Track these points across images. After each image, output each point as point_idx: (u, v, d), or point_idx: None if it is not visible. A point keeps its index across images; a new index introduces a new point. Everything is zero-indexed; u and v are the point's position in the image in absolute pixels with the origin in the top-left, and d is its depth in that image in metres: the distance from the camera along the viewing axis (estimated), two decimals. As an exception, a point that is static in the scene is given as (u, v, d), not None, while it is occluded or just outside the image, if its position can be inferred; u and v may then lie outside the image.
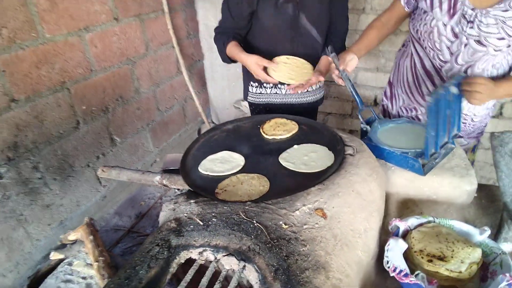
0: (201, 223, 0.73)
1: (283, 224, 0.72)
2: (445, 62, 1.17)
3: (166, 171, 1.15)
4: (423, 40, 1.19)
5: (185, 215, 0.77)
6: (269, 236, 0.69)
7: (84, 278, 1.04)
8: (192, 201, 0.82)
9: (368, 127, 1.22)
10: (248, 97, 1.60)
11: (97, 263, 0.96)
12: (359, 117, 1.25)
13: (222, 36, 1.38)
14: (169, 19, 2.13)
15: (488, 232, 0.83)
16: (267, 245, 0.67)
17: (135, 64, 1.96)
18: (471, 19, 1.06)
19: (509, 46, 1.08)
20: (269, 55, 1.31)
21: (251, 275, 0.65)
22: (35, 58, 1.41)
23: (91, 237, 1.06)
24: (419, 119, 1.36)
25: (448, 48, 1.14)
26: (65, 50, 1.53)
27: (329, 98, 2.26)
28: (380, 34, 1.32)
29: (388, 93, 1.48)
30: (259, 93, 1.55)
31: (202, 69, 2.65)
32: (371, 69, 2.10)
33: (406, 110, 1.40)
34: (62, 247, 1.16)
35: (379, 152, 1.07)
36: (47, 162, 1.53)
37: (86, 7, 1.60)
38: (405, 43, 1.37)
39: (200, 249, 0.70)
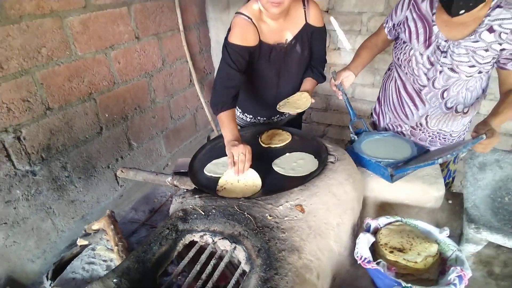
0: (203, 213, 0.91)
1: (268, 216, 0.89)
2: (424, 86, 1.32)
3: (177, 173, 1.32)
4: (404, 67, 1.35)
5: (191, 206, 0.95)
6: (256, 224, 0.86)
7: (105, 260, 1.22)
8: (196, 196, 1.00)
9: (356, 137, 1.38)
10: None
11: (116, 247, 1.15)
12: (350, 127, 1.41)
13: (219, 99, 1.33)
14: (184, 36, 2.35)
15: (446, 231, 0.97)
16: (254, 231, 0.84)
17: (152, 77, 2.18)
18: (445, 49, 1.21)
19: (480, 72, 1.22)
20: (257, 97, 1.52)
21: (240, 254, 0.82)
22: (68, 73, 1.64)
23: (112, 226, 1.25)
24: (404, 134, 1.51)
25: (425, 74, 1.29)
26: (93, 66, 1.76)
27: (329, 111, 2.43)
28: (372, 53, 1.49)
29: (378, 110, 1.63)
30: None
31: (213, 81, 2.86)
32: (368, 85, 2.26)
33: (392, 127, 1.55)
34: (86, 235, 1.35)
35: (359, 160, 1.23)
36: (74, 163, 1.75)
37: (112, 28, 1.83)
38: (390, 67, 1.52)
39: (201, 233, 0.87)
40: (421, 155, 1.19)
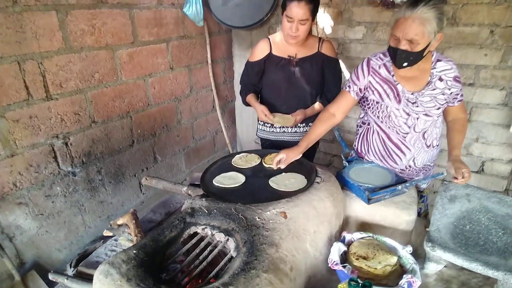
0: (206, 211, 1.15)
1: (257, 218, 1.11)
2: (407, 133, 1.50)
3: (192, 185, 1.58)
4: (385, 122, 1.53)
5: (198, 206, 1.19)
6: (247, 223, 1.09)
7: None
8: (204, 199, 1.25)
9: (347, 163, 1.60)
10: (258, 133, 2.10)
11: (136, 237, 1.40)
12: (342, 156, 1.64)
13: (243, 89, 1.96)
14: (211, 69, 2.70)
15: (408, 248, 1.15)
16: (244, 228, 1.07)
17: (180, 101, 2.52)
18: (414, 100, 1.43)
19: (441, 112, 1.48)
20: (271, 101, 1.91)
21: (231, 244, 1.04)
22: (113, 94, 2.00)
23: (134, 221, 1.50)
24: None
25: (405, 123, 1.48)
26: (133, 89, 2.12)
27: (335, 142, 2.65)
28: (327, 126, 1.57)
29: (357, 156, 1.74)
30: (262, 130, 2.06)
31: (233, 109, 3.19)
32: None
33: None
34: (111, 229, 1.61)
35: (344, 182, 1.44)
36: (107, 169, 2.06)
37: (152, 60, 2.20)
38: (365, 121, 1.68)
39: (203, 226, 1.11)
40: (396, 182, 1.39)
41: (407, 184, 1.29)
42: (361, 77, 1.50)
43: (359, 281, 0.91)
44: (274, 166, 1.48)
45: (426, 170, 1.62)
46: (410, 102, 1.43)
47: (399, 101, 1.45)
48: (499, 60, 1.95)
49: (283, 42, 1.79)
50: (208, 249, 1.04)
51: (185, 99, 2.57)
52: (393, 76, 1.45)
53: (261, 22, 2.55)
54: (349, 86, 1.54)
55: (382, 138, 1.58)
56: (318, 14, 1.76)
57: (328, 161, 2.78)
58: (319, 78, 1.84)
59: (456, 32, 1.99)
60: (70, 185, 1.86)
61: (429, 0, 1.21)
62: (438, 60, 1.40)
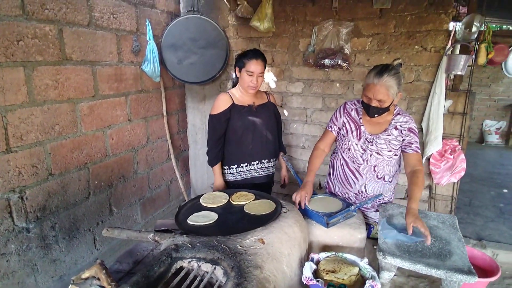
0: (190, 246, 1.24)
1: (238, 246, 1.24)
2: (360, 164, 1.84)
3: (158, 231, 1.63)
4: (346, 153, 1.88)
5: (181, 242, 1.27)
6: (230, 251, 1.20)
7: (95, 302, 1.41)
8: (185, 235, 1.33)
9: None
10: (226, 177, 2.22)
11: (109, 286, 1.37)
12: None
13: (212, 154, 2.13)
14: (166, 120, 2.84)
15: (365, 260, 1.37)
16: (229, 256, 1.18)
17: (137, 151, 2.57)
18: (371, 140, 1.79)
19: (396, 155, 1.81)
20: (236, 149, 2.12)
21: (218, 272, 1.14)
22: (72, 146, 1.99)
23: (104, 271, 1.47)
24: (350, 199, 1.95)
25: (361, 156, 1.83)
26: (92, 141, 2.14)
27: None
28: (321, 158, 1.94)
29: (329, 182, 2.09)
30: (229, 174, 2.20)
31: (187, 157, 3.30)
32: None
33: (341, 194, 2.01)
34: (77, 284, 1.53)
35: (306, 211, 1.65)
36: (62, 224, 1.96)
37: (112, 112, 2.27)
38: (335, 151, 2.05)
39: (189, 260, 1.18)
40: (347, 207, 1.65)
41: (357, 206, 1.55)
42: (338, 118, 1.88)
43: (335, 285, 1.08)
44: (296, 206, 1.66)
45: (377, 201, 1.93)
46: (367, 141, 1.80)
47: (359, 139, 1.81)
48: (406, 107, 2.51)
49: (240, 94, 2.08)
50: (197, 280, 1.12)
51: (142, 149, 2.63)
52: (360, 119, 1.83)
53: (213, 78, 2.85)
54: (330, 127, 1.92)
55: (342, 164, 1.92)
56: None
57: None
58: (274, 121, 2.19)
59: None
60: (24, 243, 1.73)
61: (391, 69, 1.62)
62: (398, 114, 1.79)
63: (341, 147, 1.91)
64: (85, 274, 1.55)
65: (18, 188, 1.69)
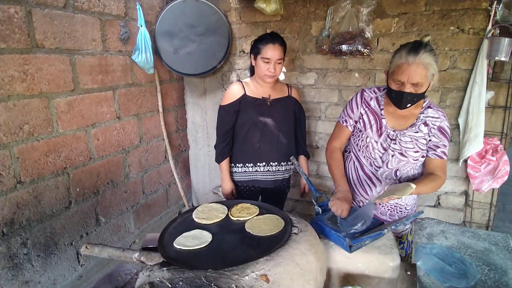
0: (170, 286, 0.92)
1: (234, 286, 0.92)
2: (379, 167, 1.51)
3: (145, 249, 1.33)
4: (362, 151, 1.56)
5: (158, 279, 0.96)
6: (222, 295, 0.89)
7: None
8: (165, 268, 1.02)
9: (320, 209, 1.50)
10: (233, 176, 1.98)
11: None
12: (313, 201, 1.54)
13: (220, 147, 1.91)
14: (162, 117, 2.54)
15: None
16: (220, 302, 0.86)
17: (128, 153, 2.28)
18: (394, 137, 1.46)
19: (423, 156, 1.47)
20: (243, 145, 1.89)
21: (205, 327, 0.83)
22: (46, 148, 1.71)
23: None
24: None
25: (380, 157, 1.50)
26: (72, 142, 1.85)
27: (296, 187, 2.58)
28: (341, 160, 1.63)
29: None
30: (235, 172, 1.97)
31: (187, 158, 3.00)
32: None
33: (355, 202, 1.68)
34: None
35: (321, 230, 1.32)
36: (35, 239, 1.69)
37: (96, 109, 1.98)
38: (347, 149, 1.73)
39: (167, 306, 0.87)
40: (375, 226, 1.31)
41: (392, 226, 1.21)
42: (354, 109, 1.55)
43: None
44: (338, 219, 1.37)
45: (398, 212, 1.59)
46: (390, 138, 1.46)
47: (380, 135, 1.47)
48: (438, 100, 2.14)
49: (255, 85, 1.84)
50: (176, 337, 0.81)
51: (133, 150, 2.33)
52: (381, 110, 1.48)
53: (214, 70, 2.53)
54: (345, 121, 1.59)
55: (356, 167, 1.59)
56: None
57: (290, 207, 2.68)
58: (292, 120, 1.92)
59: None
60: (-17, 265, 1.46)
61: (426, 45, 1.30)
62: (429, 107, 1.45)
63: (357, 144, 1.57)
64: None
65: (-25, 200, 1.41)
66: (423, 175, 1.47)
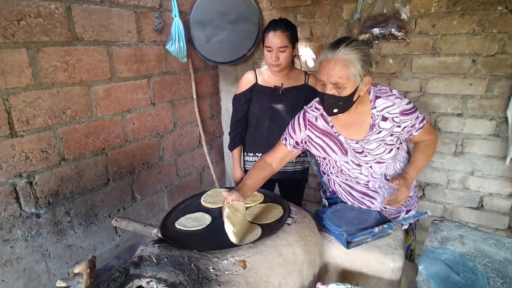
0: (155, 260, 1.00)
1: (211, 268, 0.96)
2: (368, 181, 1.37)
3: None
4: (342, 176, 1.41)
5: (147, 254, 1.04)
6: (198, 275, 0.93)
7: (76, 303, 1.29)
8: (157, 245, 1.10)
9: (327, 202, 1.46)
10: (245, 165, 2.05)
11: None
12: (321, 193, 1.50)
13: (233, 134, 2.00)
14: (196, 104, 2.66)
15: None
16: (193, 282, 0.91)
17: (162, 137, 2.44)
18: (360, 150, 1.30)
19: (397, 148, 1.31)
20: (252, 134, 1.94)
21: (176, 302, 0.88)
22: (87, 130, 1.92)
23: (88, 270, 1.34)
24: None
25: (361, 173, 1.35)
26: (110, 125, 2.05)
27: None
28: (264, 175, 1.40)
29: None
30: (247, 161, 2.03)
31: (222, 144, 3.10)
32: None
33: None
34: (67, 278, 1.45)
35: (322, 222, 1.28)
36: (78, 209, 1.93)
37: (132, 96, 2.15)
38: (325, 171, 1.51)
39: (148, 279, 0.95)
40: (380, 224, 1.23)
41: (385, 226, 1.13)
42: (297, 130, 1.39)
43: None
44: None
45: (406, 202, 1.46)
46: (356, 152, 1.30)
47: (346, 153, 1.31)
48: (485, 90, 1.86)
49: (269, 74, 1.85)
50: (150, 307, 0.88)
51: (168, 135, 2.49)
52: (332, 127, 1.32)
53: (244, 58, 2.54)
54: (285, 139, 1.44)
55: (346, 189, 1.44)
56: (298, 44, 1.81)
57: (320, 197, 2.61)
58: None
59: (438, 62, 1.93)
60: (33, 228, 1.72)
61: (351, 41, 1.14)
62: (377, 97, 1.25)
63: (332, 173, 1.43)
64: (77, 269, 1.46)
65: (25, 173, 1.66)
66: (413, 149, 1.35)
